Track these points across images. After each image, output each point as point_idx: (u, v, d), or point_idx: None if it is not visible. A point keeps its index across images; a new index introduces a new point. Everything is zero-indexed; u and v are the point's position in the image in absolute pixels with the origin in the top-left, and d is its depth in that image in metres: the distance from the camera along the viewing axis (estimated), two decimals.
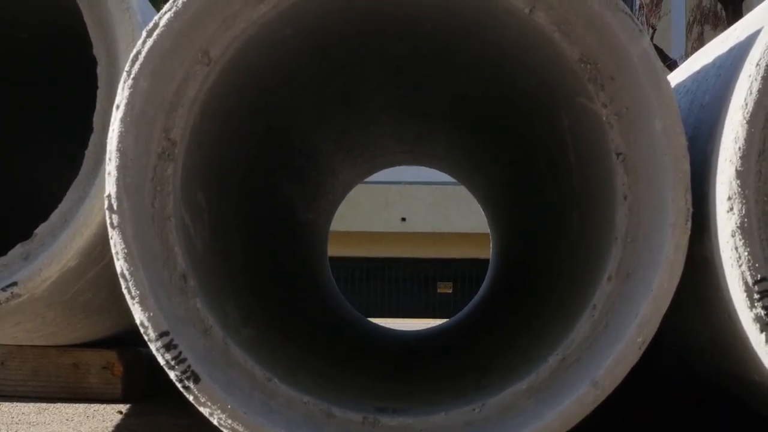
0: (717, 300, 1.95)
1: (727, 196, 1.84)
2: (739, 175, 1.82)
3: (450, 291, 16.50)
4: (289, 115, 3.00)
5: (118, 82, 1.97)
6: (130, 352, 3.15)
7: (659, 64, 1.91)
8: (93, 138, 2.37)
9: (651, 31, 15.77)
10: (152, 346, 1.89)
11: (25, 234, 2.38)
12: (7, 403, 3.00)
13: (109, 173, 1.92)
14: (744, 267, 1.83)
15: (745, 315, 1.84)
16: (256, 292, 2.68)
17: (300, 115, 3.10)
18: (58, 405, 3.00)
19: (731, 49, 2.08)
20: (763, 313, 1.82)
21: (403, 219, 15.93)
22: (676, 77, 2.80)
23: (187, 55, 1.98)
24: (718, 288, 1.92)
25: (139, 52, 1.94)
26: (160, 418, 2.87)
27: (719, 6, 15.65)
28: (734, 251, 1.83)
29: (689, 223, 1.86)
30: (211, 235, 2.24)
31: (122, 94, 1.93)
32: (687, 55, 15.09)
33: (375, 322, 6.35)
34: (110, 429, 2.72)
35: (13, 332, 2.62)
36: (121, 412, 2.92)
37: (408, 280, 16.64)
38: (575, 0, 1.92)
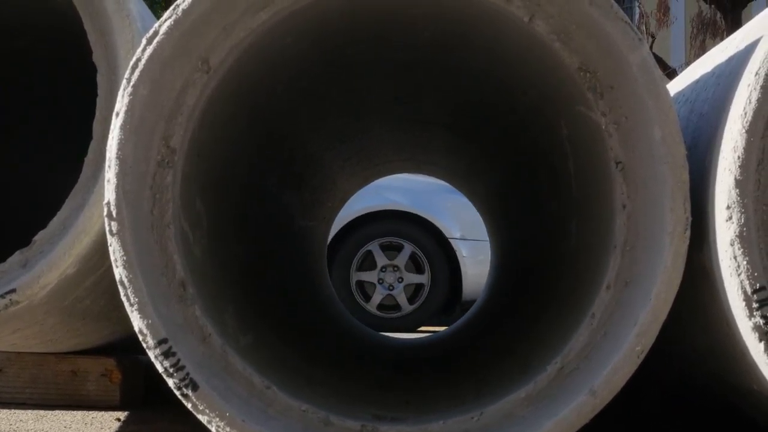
0: (715, 309, 1.95)
1: (726, 205, 1.84)
2: (738, 184, 1.83)
3: None
4: (288, 123, 3.00)
5: (118, 89, 1.97)
6: (128, 359, 3.14)
7: (658, 72, 1.92)
8: (92, 145, 2.37)
9: (651, 39, 15.79)
10: (151, 354, 1.89)
11: (24, 241, 2.38)
12: (5, 410, 3.00)
13: (108, 180, 1.92)
14: (743, 276, 1.83)
15: (744, 324, 1.84)
16: (254, 300, 2.67)
17: (299, 123, 3.10)
18: (57, 412, 2.99)
19: (730, 59, 2.09)
20: (761, 322, 1.82)
21: None
22: (675, 86, 2.80)
23: (187, 63, 1.98)
24: (716, 297, 1.92)
25: (138, 60, 1.94)
26: (158, 425, 2.87)
27: (719, 15, 15.68)
28: (733, 260, 1.83)
29: (688, 232, 1.87)
30: (210, 242, 2.24)
31: (122, 102, 1.93)
32: (687, 64, 15.12)
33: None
34: None
35: (12, 339, 2.62)
36: (119, 420, 2.92)
37: None
38: (575, 9, 1.93)
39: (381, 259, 7.20)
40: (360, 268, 7.21)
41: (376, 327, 7.06)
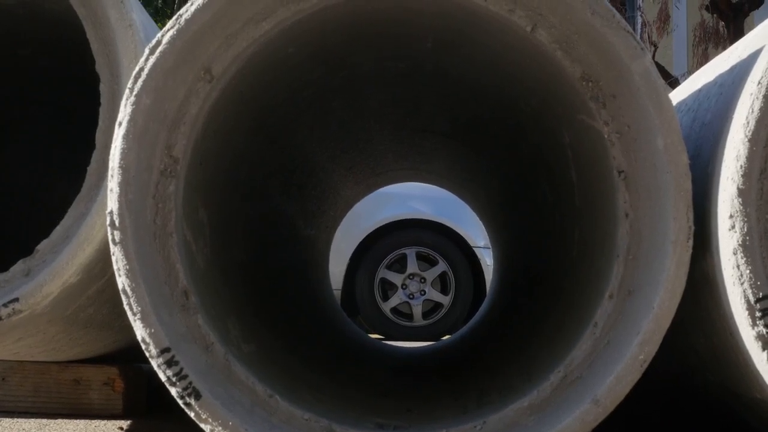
0: (718, 317, 1.95)
1: (728, 214, 1.84)
2: (741, 193, 1.83)
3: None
4: (290, 133, 3.01)
5: (120, 98, 1.98)
6: (131, 368, 3.14)
7: (661, 82, 1.92)
8: (95, 154, 2.38)
9: (653, 48, 15.81)
10: (153, 363, 1.89)
11: (27, 250, 2.39)
12: (8, 419, 3.00)
13: (111, 190, 1.92)
14: (746, 285, 1.83)
15: (747, 333, 1.84)
16: (257, 309, 2.68)
17: (302, 132, 3.11)
18: (59, 421, 2.99)
19: (733, 68, 2.09)
20: (764, 331, 1.82)
21: None
22: (677, 95, 2.80)
23: (190, 73, 1.98)
24: (719, 306, 1.92)
25: (141, 69, 1.94)
26: None
27: (721, 24, 15.69)
28: (736, 269, 1.83)
29: (691, 241, 1.87)
30: (212, 251, 2.24)
31: (125, 111, 1.94)
32: (690, 73, 15.13)
33: (376, 337, 6.34)
34: None
35: (15, 348, 2.62)
36: (122, 429, 2.91)
37: None
38: (577, 18, 1.93)
39: (412, 267, 7.18)
40: (389, 267, 7.20)
41: (384, 327, 7.06)
